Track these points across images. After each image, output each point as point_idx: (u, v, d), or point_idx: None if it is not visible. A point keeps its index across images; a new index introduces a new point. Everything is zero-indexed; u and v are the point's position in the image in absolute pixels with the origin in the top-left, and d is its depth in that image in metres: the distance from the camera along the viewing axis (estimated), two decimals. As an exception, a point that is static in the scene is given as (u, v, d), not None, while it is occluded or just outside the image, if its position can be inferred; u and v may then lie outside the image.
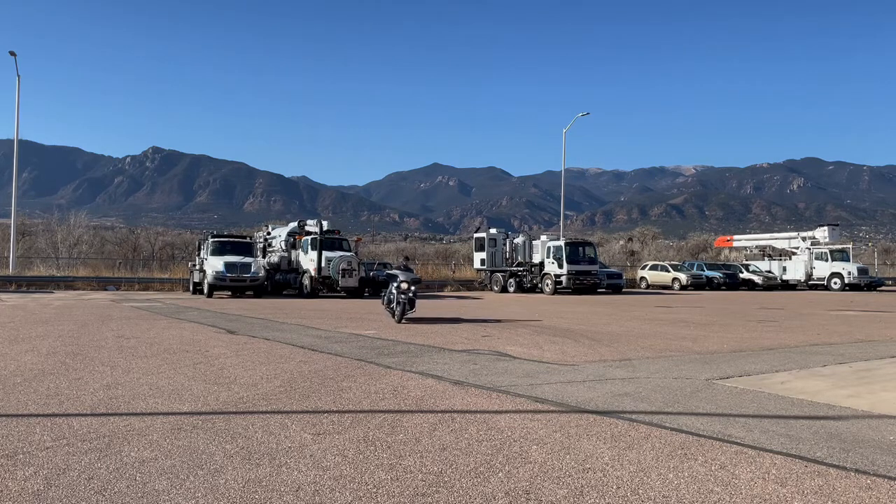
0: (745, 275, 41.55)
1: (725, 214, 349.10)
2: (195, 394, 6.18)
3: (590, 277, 32.30)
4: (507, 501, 3.47)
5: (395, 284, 13.99)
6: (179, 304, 21.14)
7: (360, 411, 5.53)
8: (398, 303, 13.78)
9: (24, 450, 4.28)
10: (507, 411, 5.58)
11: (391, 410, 5.58)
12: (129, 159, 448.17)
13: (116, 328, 12.53)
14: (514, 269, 34.08)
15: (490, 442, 4.59)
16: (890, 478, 3.89)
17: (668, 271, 41.09)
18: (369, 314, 16.94)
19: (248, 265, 25.88)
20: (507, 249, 35.09)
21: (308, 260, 27.33)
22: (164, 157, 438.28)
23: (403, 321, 13.76)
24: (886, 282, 49.23)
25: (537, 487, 3.67)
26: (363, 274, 28.01)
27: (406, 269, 14.85)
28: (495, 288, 34.42)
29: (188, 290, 29.57)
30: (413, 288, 13.95)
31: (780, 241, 46.46)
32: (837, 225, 47.60)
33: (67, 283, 32.24)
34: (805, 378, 7.35)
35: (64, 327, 12.56)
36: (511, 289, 33.57)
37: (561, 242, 32.68)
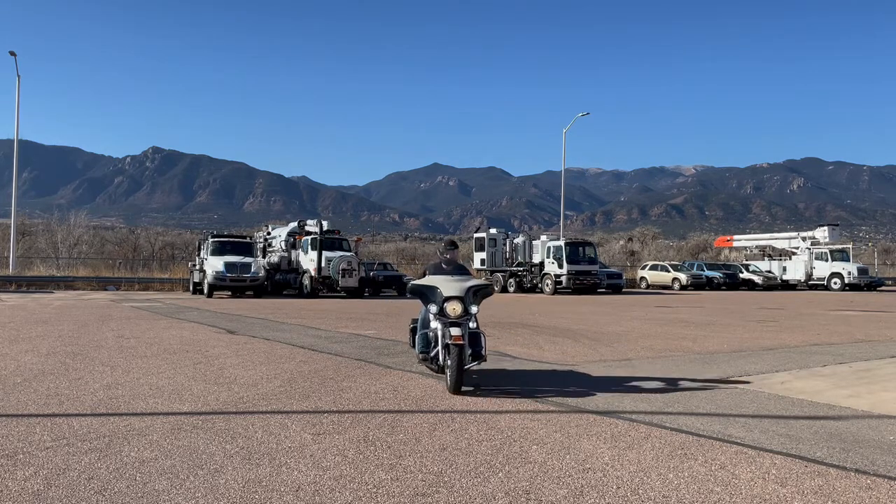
0: (745, 275, 41.55)
1: (725, 214, 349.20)
2: (195, 394, 6.18)
3: (590, 277, 32.30)
4: (507, 501, 3.47)
5: (435, 307, 6.55)
6: (179, 304, 21.13)
7: (360, 411, 5.53)
8: (445, 347, 6.41)
9: (24, 450, 4.27)
10: (507, 411, 5.58)
11: (391, 410, 5.58)
12: (129, 159, 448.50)
13: (116, 328, 12.53)
14: (514, 269, 34.09)
15: (490, 442, 4.59)
16: (890, 478, 3.89)
17: (668, 271, 41.08)
18: (369, 314, 16.93)
19: (248, 265, 25.88)
20: (507, 249, 35.11)
21: (308, 260, 27.33)
22: (164, 157, 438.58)
23: (464, 390, 6.35)
24: (886, 282, 49.20)
25: (537, 487, 3.67)
26: (363, 274, 28.02)
27: (455, 267, 7.23)
28: (495, 288, 34.43)
29: (188, 290, 29.57)
30: (474, 310, 6.59)
31: (780, 241, 46.45)
32: (837, 225, 47.58)
33: (67, 283, 32.24)
34: (805, 378, 7.35)
35: (64, 327, 12.56)
36: (511, 289, 33.58)
37: (561, 242, 32.69)
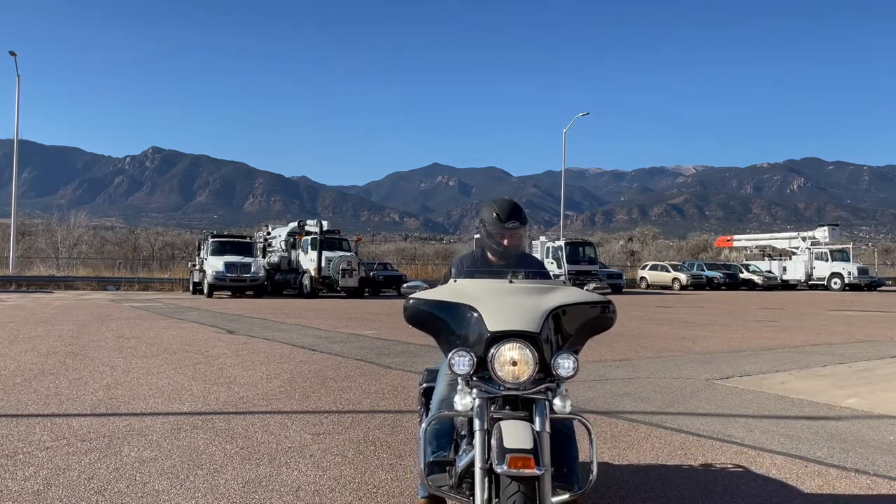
0: (745, 275, 41.53)
1: (725, 214, 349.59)
2: (195, 394, 6.17)
3: (589, 277, 32.26)
4: (507, 501, 3.46)
5: (465, 358, 2.46)
6: (179, 304, 21.13)
7: (360, 411, 5.52)
8: (488, 475, 2.35)
9: (24, 450, 4.27)
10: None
11: (391, 410, 5.58)
12: (128, 159, 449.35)
13: (116, 328, 12.52)
14: (514, 269, 33.99)
15: (490, 442, 4.57)
16: (890, 478, 3.89)
17: (668, 271, 41.06)
18: (369, 314, 16.93)
19: (248, 265, 25.90)
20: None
21: (308, 260, 27.34)
22: (163, 157, 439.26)
23: None
24: (886, 282, 49.16)
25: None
26: (363, 274, 28.04)
27: (518, 260, 3.14)
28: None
29: (188, 290, 29.57)
30: (567, 367, 2.49)
31: (780, 241, 46.45)
32: (837, 225, 47.60)
33: (67, 283, 32.21)
34: (805, 378, 7.35)
35: (64, 327, 12.55)
36: (511, 289, 33.53)
37: (561, 242, 32.69)
